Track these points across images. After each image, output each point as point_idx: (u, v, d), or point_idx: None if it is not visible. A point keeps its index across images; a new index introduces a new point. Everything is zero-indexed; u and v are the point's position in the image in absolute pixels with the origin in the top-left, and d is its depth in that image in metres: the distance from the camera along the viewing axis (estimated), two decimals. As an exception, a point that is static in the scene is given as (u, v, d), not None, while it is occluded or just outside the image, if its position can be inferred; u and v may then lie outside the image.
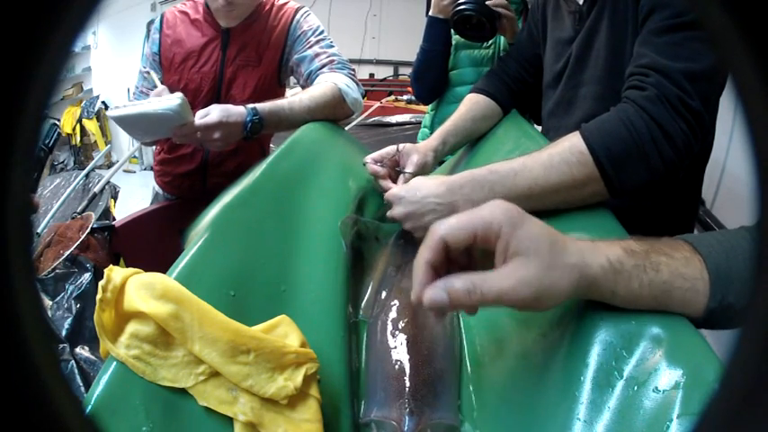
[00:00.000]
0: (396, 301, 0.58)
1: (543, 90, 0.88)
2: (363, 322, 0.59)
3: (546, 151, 0.59)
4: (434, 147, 0.86)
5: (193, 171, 1.29)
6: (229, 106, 0.96)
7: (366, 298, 0.62)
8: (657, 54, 0.58)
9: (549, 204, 0.59)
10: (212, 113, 0.94)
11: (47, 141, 0.86)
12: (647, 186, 0.58)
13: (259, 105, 0.98)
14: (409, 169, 0.80)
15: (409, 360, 0.51)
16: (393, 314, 0.56)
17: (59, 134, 0.92)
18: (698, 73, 0.56)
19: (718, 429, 0.17)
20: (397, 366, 0.50)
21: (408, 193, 0.65)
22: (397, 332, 0.54)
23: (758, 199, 0.16)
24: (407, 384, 0.49)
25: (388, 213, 0.68)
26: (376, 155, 0.82)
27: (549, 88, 0.85)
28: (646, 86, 0.57)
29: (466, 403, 0.50)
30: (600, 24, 0.72)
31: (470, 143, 0.94)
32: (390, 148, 0.81)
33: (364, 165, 0.81)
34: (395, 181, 0.80)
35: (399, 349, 0.52)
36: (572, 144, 0.57)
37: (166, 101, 0.92)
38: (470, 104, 0.93)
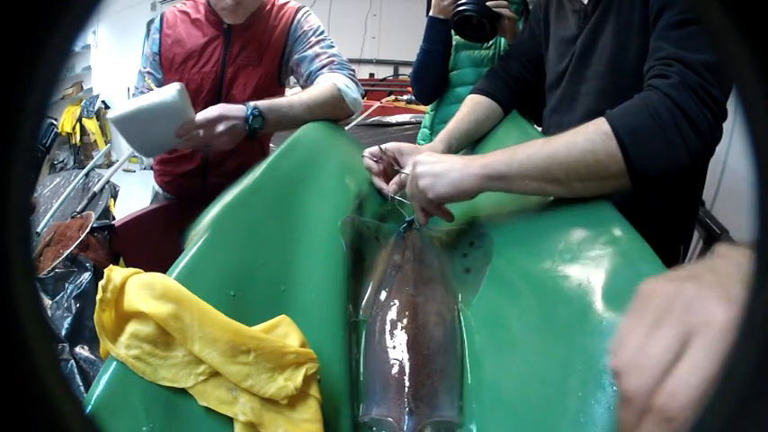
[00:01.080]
0: (396, 301, 0.58)
1: (546, 90, 0.88)
2: (363, 322, 0.59)
3: (571, 131, 0.59)
4: (439, 150, 0.86)
5: (193, 171, 1.29)
6: (228, 104, 0.97)
7: (366, 298, 0.62)
8: (675, 46, 0.59)
9: (566, 183, 0.58)
10: (211, 109, 0.95)
11: (44, 141, 0.86)
12: (671, 180, 0.57)
13: (258, 102, 0.99)
14: (408, 169, 0.80)
15: (409, 359, 0.51)
16: (393, 314, 0.56)
17: (56, 134, 0.92)
18: (714, 64, 0.56)
19: (719, 429, 0.17)
20: (396, 365, 0.50)
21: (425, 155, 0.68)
22: (396, 332, 0.54)
23: (759, 200, 0.16)
24: (407, 383, 0.49)
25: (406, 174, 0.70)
26: (374, 149, 0.82)
27: (552, 87, 0.84)
28: (669, 75, 0.58)
29: (467, 402, 0.50)
30: (605, 21, 0.72)
31: (471, 144, 0.94)
32: (375, 149, 0.82)
33: (363, 157, 0.81)
34: (391, 179, 0.80)
35: (399, 349, 0.52)
36: (596, 126, 0.58)
37: (164, 91, 0.91)
38: (472, 105, 0.92)
